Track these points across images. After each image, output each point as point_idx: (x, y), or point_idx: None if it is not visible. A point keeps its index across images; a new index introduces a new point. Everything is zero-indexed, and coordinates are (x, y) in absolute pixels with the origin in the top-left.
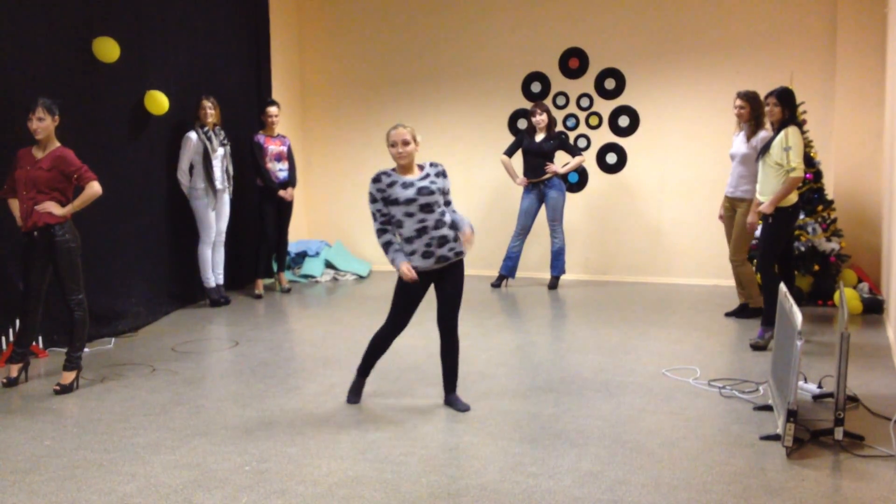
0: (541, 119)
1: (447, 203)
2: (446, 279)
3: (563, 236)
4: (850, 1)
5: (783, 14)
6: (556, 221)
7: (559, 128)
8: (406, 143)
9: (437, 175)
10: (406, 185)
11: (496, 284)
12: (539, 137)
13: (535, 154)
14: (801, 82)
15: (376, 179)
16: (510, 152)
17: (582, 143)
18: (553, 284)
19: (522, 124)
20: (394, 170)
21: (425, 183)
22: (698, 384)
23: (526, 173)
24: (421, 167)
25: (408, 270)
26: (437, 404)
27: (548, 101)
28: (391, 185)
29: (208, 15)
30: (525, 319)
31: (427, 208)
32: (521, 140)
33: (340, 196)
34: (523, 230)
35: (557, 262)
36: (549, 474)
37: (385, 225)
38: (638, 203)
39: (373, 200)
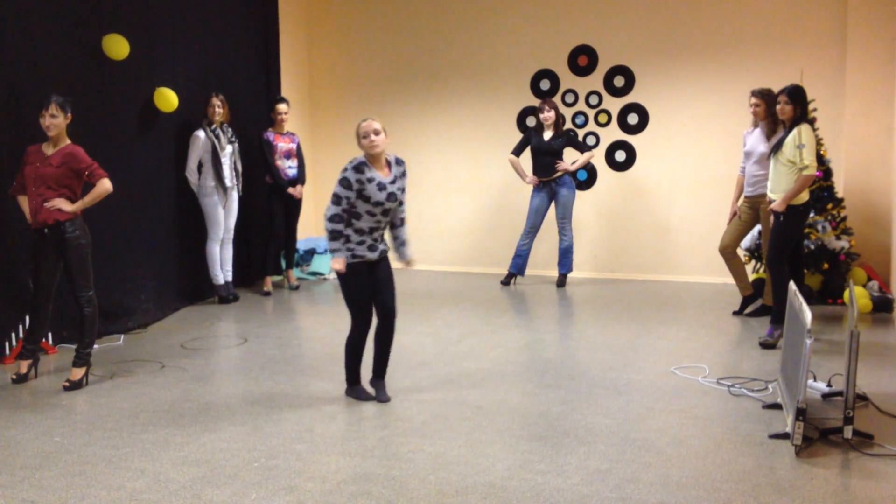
0: (549, 115)
1: (401, 203)
2: (378, 267)
3: (572, 234)
4: None
5: (793, 11)
6: (565, 219)
7: (568, 125)
8: (377, 133)
9: (402, 176)
10: (381, 187)
11: (506, 282)
12: (547, 135)
13: (545, 152)
14: (811, 80)
15: (358, 169)
16: (518, 151)
17: (591, 140)
18: (561, 282)
19: (531, 122)
20: (367, 160)
21: (394, 189)
22: (707, 382)
23: (536, 172)
24: (388, 164)
25: (342, 267)
26: (445, 401)
27: (556, 99)
28: (370, 180)
29: (218, 12)
30: (533, 317)
31: (388, 213)
32: (530, 138)
33: None
34: (533, 228)
35: (566, 259)
36: (558, 472)
37: (344, 214)
38: (647, 201)
39: (348, 187)
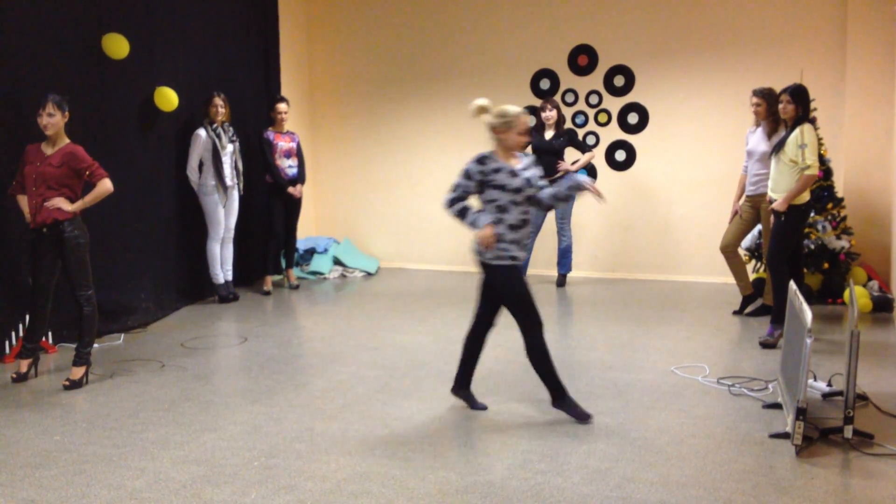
0: (551, 115)
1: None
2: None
3: (571, 235)
4: None
5: (793, 11)
6: (564, 220)
7: (568, 125)
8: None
9: (532, 165)
10: (513, 174)
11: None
12: (548, 135)
13: (546, 152)
14: (811, 80)
15: (481, 161)
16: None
17: (591, 140)
18: (561, 282)
19: (532, 121)
20: (493, 153)
21: (529, 174)
22: (707, 382)
23: None
24: (517, 155)
25: (490, 234)
26: (445, 401)
27: (556, 98)
28: (496, 170)
29: (218, 11)
30: None
31: (531, 200)
32: (531, 138)
33: (349, 193)
34: (534, 229)
35: (565, 259)
36: (558, 471)
37: (462, 197)
38: (647, 200)
39: (467, 177)
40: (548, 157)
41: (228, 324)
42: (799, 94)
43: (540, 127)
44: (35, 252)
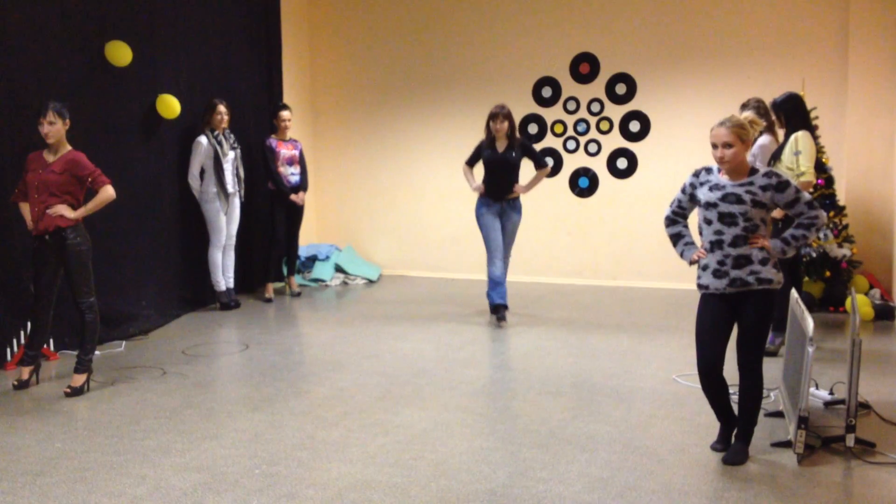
0: (501, 127)
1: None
2: (744, 307)
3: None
4: (863, 8)
5: (795, 20)
6: (510, 246)
7: (570, 132)
8: (727, 146)
9: (765, 188)
10: (714, 188)
11: (502, 317)
12: (500, 147)
13: (499, 166)
14: (813, 88)
15: (696, 174)
16: (472, 162)
17: (593, 147)
18: (502, 315)
19: (533, 129)
20: (718, 170)
21: (739, 190)
22: None
23: (489, 190)
24: (754, 172)
25: (697, 258)
26: (446, 409)
27: (558, 106)
28: (702, 183)
29: (220, 19)
30: (535, 324)
31: (727, 219)
32: (481, 150)
33: (351, 200)
34: (499, 250)
35: (501, 288)
36: (559, 479)
37: (676, 216)
38: (648, 208)
39: (682, 190)
40: (502, 172)
41: (230, 331)
42: (780, 105)
43: (490, 139)
44: (37, 259)
